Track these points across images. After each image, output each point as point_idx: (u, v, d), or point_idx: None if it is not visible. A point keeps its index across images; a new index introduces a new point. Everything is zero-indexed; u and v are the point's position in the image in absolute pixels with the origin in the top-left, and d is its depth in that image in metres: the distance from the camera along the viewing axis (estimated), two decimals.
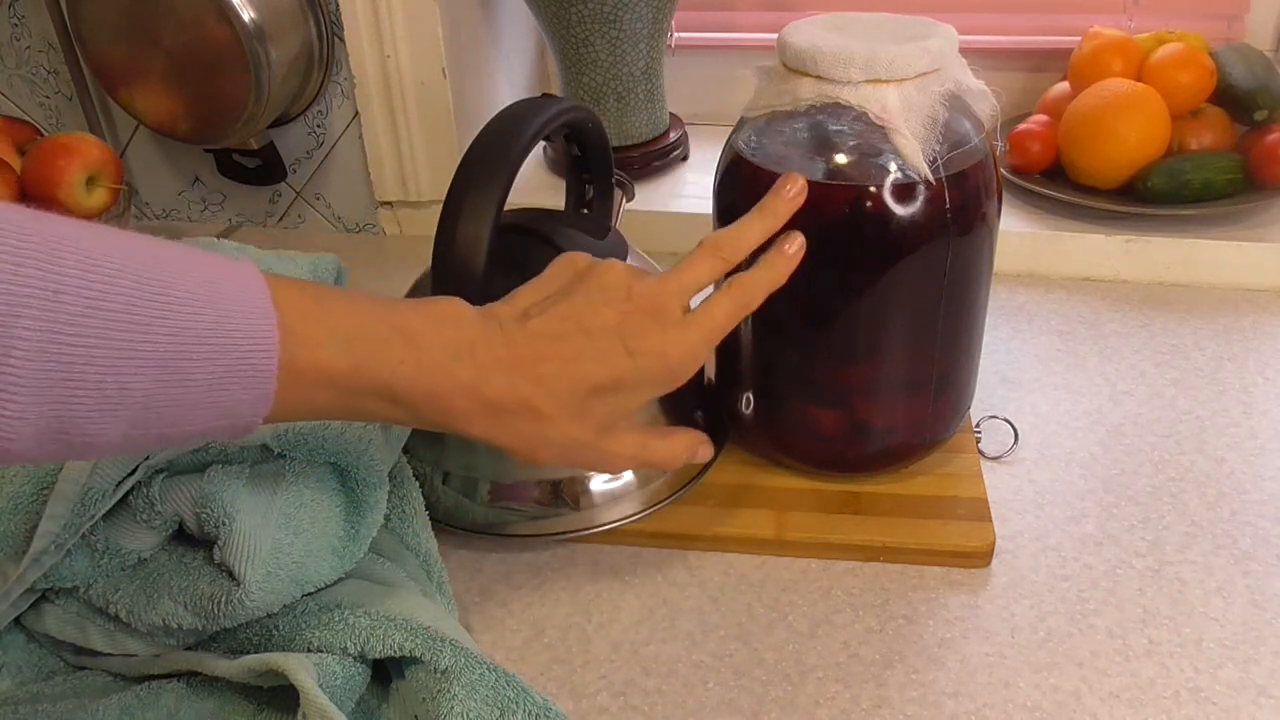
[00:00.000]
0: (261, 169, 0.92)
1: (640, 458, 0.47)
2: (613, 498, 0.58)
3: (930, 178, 0.49)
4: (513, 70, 1.00)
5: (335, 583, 0.50)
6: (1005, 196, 0.56)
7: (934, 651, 0.51)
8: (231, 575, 0.46)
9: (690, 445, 0.50)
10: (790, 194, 0.48)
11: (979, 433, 0.64)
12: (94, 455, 0.36)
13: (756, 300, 0.48)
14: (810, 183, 0.52)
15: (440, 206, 0.49)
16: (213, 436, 0.38)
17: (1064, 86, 0.90)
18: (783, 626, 0.52)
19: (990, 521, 0.56)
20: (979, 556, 0.55)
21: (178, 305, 0.34)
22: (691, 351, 0.46)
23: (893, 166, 0.50)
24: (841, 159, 0.52)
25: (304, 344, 0.38)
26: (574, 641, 0.52)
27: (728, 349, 0.60)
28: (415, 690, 0.44)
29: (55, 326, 0.32)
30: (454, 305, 0.44)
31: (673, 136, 0.95)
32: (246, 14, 0.77)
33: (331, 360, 0.39)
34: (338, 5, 0.84)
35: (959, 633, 0.52)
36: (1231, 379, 0.70)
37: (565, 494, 0.57)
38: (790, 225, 0.52)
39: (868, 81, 0.49)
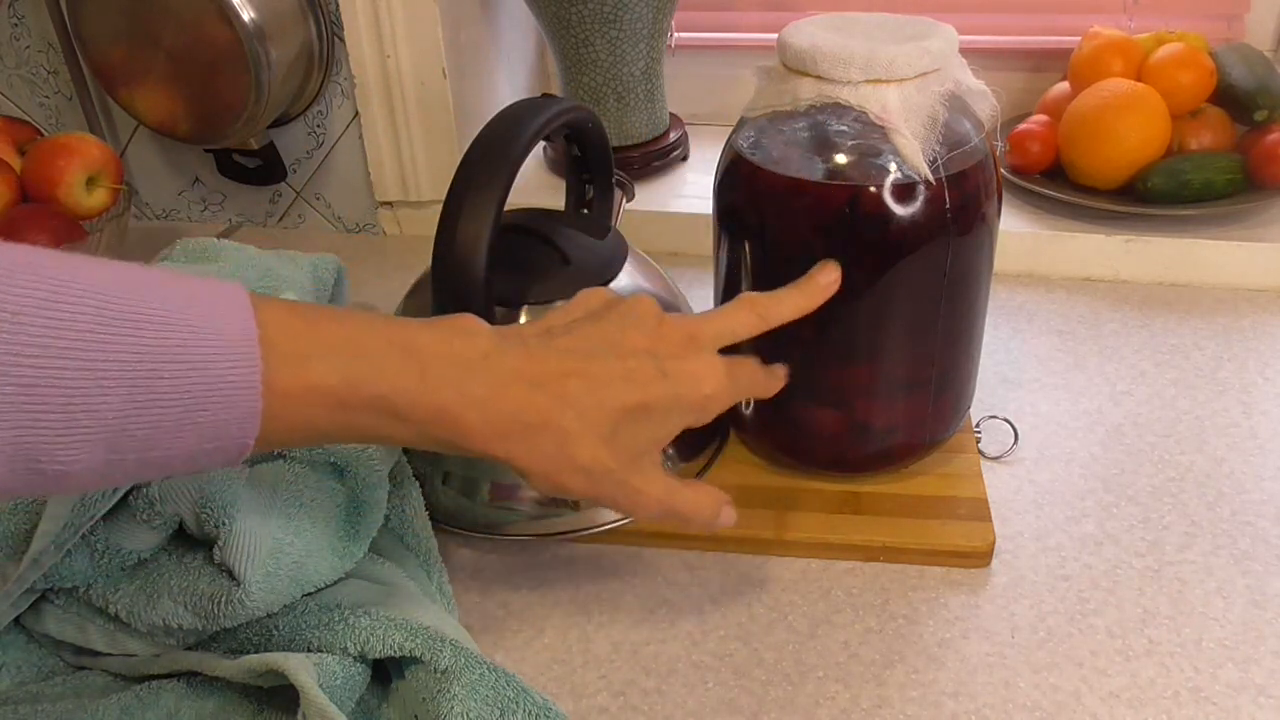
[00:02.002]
0: (261, 169, 0.92)
1: (666, 502, 0.45)
2: None
3: (930, 178, 0.49)
4: (513, 70, 1.00)
5: (335, 583, 0.50)
6: (1005, 196, 0.56)
7: (934, 651, 0.51)
8: (231, 575, 0.46)
9: (716, 503, 0.47)
10: (825, 283, 0.48)
11: (979, 433, 0.64)
12: (74, 486, 0.35)
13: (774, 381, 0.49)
14: (810, 183, 0.52)
15: (440, 206, 0.49)
16: (204, 463, 0.36)
17: (1064, 86, 0.90)
18: (783, 626, 0.52)
19: (990, 521, 0.56)
20: (979, 556, 0.55)
21: (147, 324, 0.33)
22: (725, 384, 0.44)
23: (893, 166, 0.50)
24: (841, 159, 0.52)
25: (289, 359, 0.36)
26: (574, 641, 0.52)
27: (727, 349, 0.60)
28: (415, 690, 0.44)
29: (15, 349, 0.31)
30: (466, 319, 0.42)
31: (673, 136, 0.95)
32: (246, 14, 0.77)
33: (321, 376, 0.37)
34: (338, 5, 0.84)
35: (959, 633, 0.52)
36: (1231, 379, 0.70)
37: None
38: (792, 225, 0.53)
39: (868, 81, 0.49)
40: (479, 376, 0.40)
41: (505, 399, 0.40)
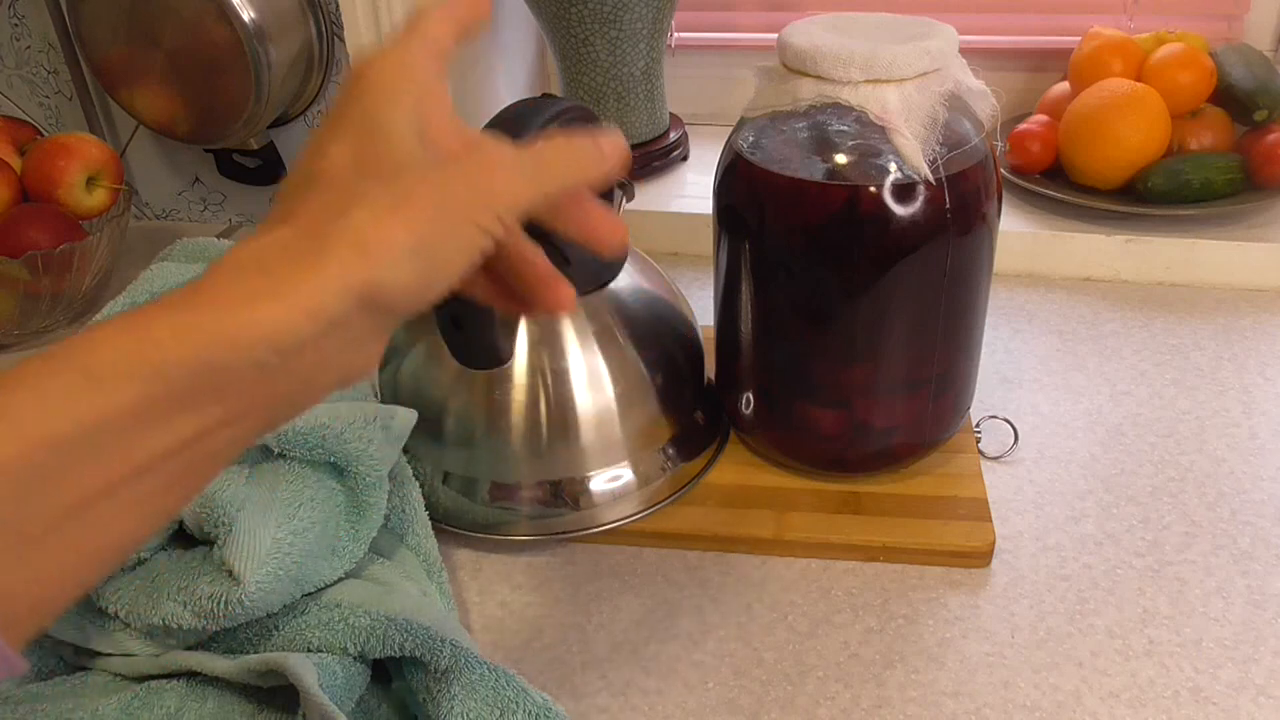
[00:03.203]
0: (261, 169, 0.92)
1: (524, 152, 0.32)
2: (613, 498, 0.58)
3: (930, 178, 0.49)
4: (513, 70, 1.00)
5: (335, 583, 0.50)
6: (1005, 196, 0.56)
7: (934, 651, 0.51)
8: (231, 575, 0.46)
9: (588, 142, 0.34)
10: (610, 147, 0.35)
11: (979, 433, 0.64)
12: None
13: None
14: (810, 183, 0.52)
15: None
16: None
17: (1064, 86, 0.90)
18: (783, 626, 0.52)
19: (990, 521, 0.56)
20: (979, 556, 0.55)
21: None
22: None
23: (893, 166, 0.50)
24: (841, 159, 0.52)
25: None
26: (574, 641, 0.52)
27: (728, 349, 0.60)
28: (415, 690, 0.44)
29: None
30: None
31: (673, 136, 0.95)
32: (246, 14, 0.77)
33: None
34: (338, 5, 0.84)
35: (959, 633, 0.52)
36: (1231, 379, 0.70)
37: (565, 494, 0.57)
38: (792, 225, 0.53)
39: (868, 81, 0.49)
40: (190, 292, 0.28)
41: (243, 263, 0.28)
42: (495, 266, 0.34)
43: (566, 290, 0.35)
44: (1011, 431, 0.64)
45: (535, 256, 0.35)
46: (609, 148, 0.34)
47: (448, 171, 0.30)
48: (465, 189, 0.30)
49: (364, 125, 0.31)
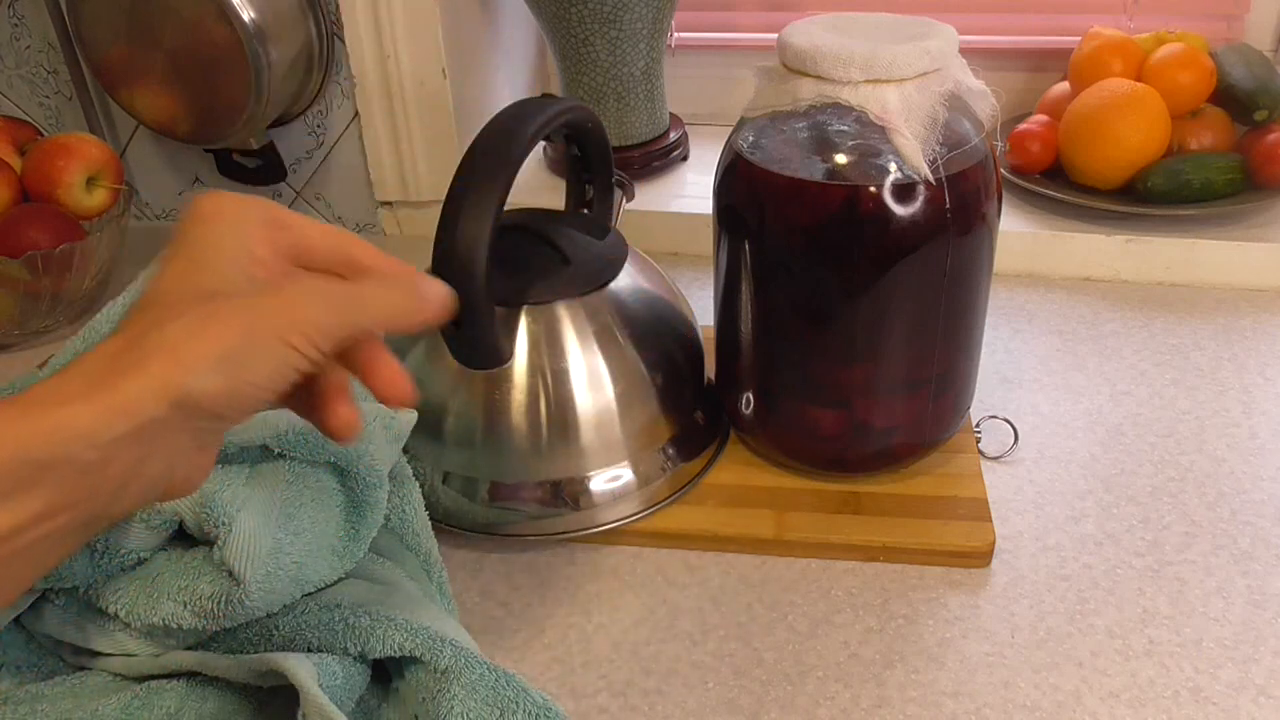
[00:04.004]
0: (261, 169, 0.92)
1: (332, 292, 0.36)
2: (613, 498, 0.58)
3: (930, 178, 0.49)
4: (513, 70, 1.00)
5: (335, 583, 0.50)
6: (1005, 196, 0.56)
7: (934, 651, 0.51)
8: (231, 575, 0.46)
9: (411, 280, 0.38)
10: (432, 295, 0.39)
11: (979, 433, 0.64)
12: None
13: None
14: (810, 183, 0.52)
15: (440, 206, 0.49)
16: None
17: (1064, 86, 0.90)
18: (783, 626, 0.52)
19: (990, 521, 0.56)
20: (979, 556, 0.55)
21: None
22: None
23: (893, 166, 0.50)
24: (841, 159, 0.52)
25: None
26: (574, 641, 0.52)
27: (728, 349, 0.60)
28: (415, 690, 0.44)
29: None
30: None
31: (673, 136, 0.95)
32: (246, 14, 0.77)
33: None
34: (338, 5, 0.84)
35: (959, 633, 0.52)
36: (1231, 379, 0.70)
37: (565, 494, 0.57)
38: (792, 225, 0.53)
39: (868, 81, 0.49)
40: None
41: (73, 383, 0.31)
42: (312, 387, 0.37)
43: (355, 423, 0.38)
44: (1011, 431, 0.64)
45: (343, 389, 0.38)
46: (432, 296, 0.38)
47: (263, 297, 0.34)
48: (274, 312, 0.33)
49: (193, 256, 0.35)
